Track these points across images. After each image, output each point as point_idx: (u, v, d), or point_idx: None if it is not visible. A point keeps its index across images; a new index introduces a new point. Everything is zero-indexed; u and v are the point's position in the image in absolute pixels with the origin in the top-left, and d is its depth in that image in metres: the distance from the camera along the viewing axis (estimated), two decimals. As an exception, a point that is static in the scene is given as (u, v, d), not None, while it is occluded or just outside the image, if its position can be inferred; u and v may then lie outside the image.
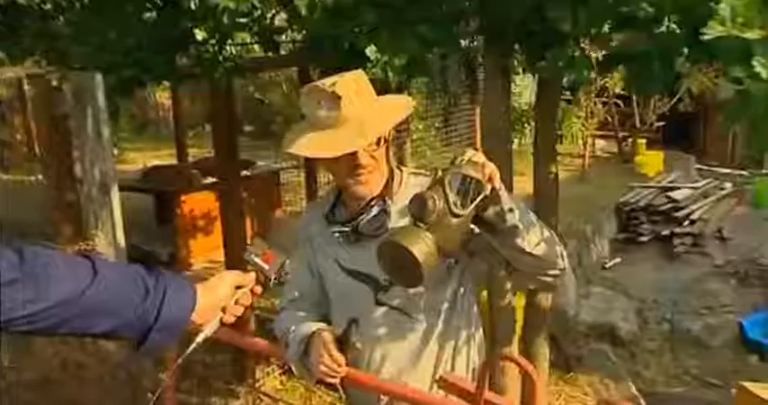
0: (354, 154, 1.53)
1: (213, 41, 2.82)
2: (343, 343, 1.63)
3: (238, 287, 1.29)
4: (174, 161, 7.73)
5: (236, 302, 1.28)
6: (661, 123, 9.90)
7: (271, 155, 6.73)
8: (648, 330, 5.10)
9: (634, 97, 8.84)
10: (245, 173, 5.36)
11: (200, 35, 2.74)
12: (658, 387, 4.26)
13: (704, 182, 7.31)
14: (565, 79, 2.27)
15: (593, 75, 2.27)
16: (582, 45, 2.28)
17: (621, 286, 5.74)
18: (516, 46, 2.54)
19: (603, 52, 2.34)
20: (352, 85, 1.52)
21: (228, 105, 3.61)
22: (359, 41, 2.44)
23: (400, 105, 1.64)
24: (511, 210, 1.42)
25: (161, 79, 3.10)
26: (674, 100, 8.75)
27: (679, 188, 6.90)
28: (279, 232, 1.47)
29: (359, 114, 1.50)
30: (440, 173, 1.41)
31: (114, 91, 2.87)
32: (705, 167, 8.89)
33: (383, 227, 1.61)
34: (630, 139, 9.66)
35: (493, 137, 2.65)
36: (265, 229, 6.53)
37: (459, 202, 1.36)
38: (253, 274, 1.33)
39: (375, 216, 1.62)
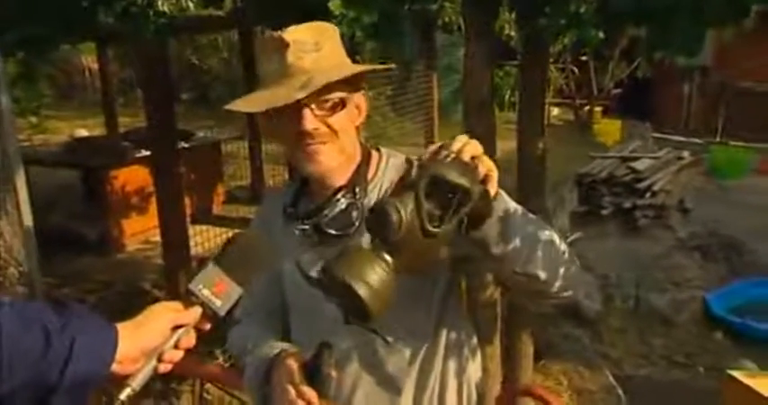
0: (298, 115, 1.24)
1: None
2: (311, 371, 1.30)
3: (178, 327, 1.03)
4: (102, 131, 7.45)
5: (177, 346, 1.03)
6: (618, 90, 9.79)
7: (211, 124, 6.32)
8: (613, 307, 4.98)
9: (591, 63, 8.65)
10: (182, 145, 5.16)
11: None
12: (625, 368, 4.15)
13: (664, 151, 7.21)
14: (567, 40, 1.90)
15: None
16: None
17: (584, 262, 5.61)
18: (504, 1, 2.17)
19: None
20: (308, 33, 1.25)
21: (163, 70, 3.28)
22: (319, -8, 2.03)
23: (368, 65, 1.36)
24: (508, 227, 1.12)
25: (77, 39, 2.64)
26: (633, 66, 8.62)
27: (640, 158, 6.76)
28: (238, 249, 1.11)
29: (311, 68, 1.23)
30: (414, 169, 1.08)
31: (18, 50, 2.41)
32: (660, 135, 8.82)
33: (352, 225, 1.30)
34: (587, 107, 9.51)
35: (476, 109, 2.29)
36: (207, 206, 6.20)
37: (436, 216, 1.02)
38: (197, 309, 1.05)
39: (342, 211, 1.31)
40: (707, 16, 1.65)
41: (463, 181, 1.01)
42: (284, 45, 1.22)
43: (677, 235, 6.03)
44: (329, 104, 1.26)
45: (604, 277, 5.32)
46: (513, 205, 1.16)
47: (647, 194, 6.33)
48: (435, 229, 1.02)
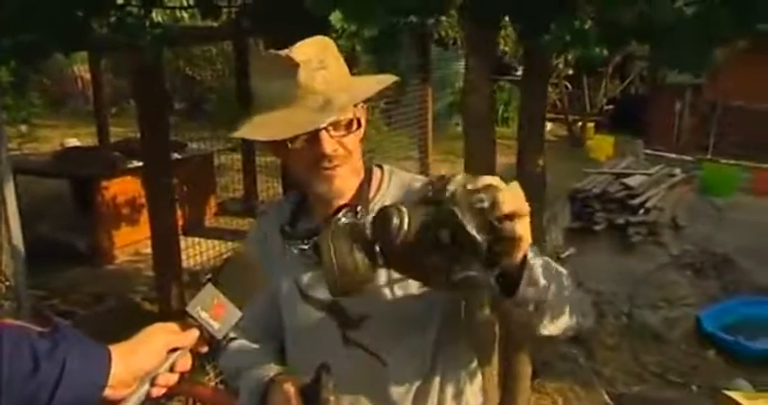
0: (317, 139, 1.21)
1: (137, 3, 2.37)
2: (309, 395, 1.27)
3: (174, 349, 1.01)
4: (94, 141, 7.39)
5: (172, 369, 1.00)
6: (610, 107, 9.82)
7: (204, 136, 6.28)
8: (606, 325, 4.95)
9: (585, 79, 8.69)
10: (175, 156, 5.08)
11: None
12: (618, 385, 4.14)
13: (657, 168, 7.22)
14: (569, 56, 1.88)
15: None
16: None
17: (577, 278, 5.60)
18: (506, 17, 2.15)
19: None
20: (314, 51, 1.21)
21: (156, 80, 3.24)
22: (319, 5, 1.99)
23: (378, 79, 1.31)
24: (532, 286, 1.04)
25: (71, 48, 2.61)
26: (626, 82, 8.66)
27: (632, 174, 6.77)
28: (235, 270, 1.09)
29: (322, 88, 1.20)
30: (447, 193, 0.98)
31: (10, 58, 2.37)
32: (652, 152, 8.85)
33: None
34: (580, 123, 9.54)
35: (476, 123, 2.27)
36: (199, 218, 6.15)
37: (443, 243, 0.98)
38: (194, 331, 1.03)
39: None
40: (711, 33, 1.64)
41: (479, 236, 0.92)
42: (293, 65, 1.18)
43: (670, 252, 6.03)
44: (344, 124, 1.23)
45: (597, 293, 5.31)
46: (538, 263, 1.07)
47: (641, 211, 6.34)
48: (433, 259, 0.99)
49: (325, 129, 1.20)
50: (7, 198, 2.11)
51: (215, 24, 3.49)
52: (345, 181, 1.28)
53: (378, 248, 1.03)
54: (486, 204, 0.93)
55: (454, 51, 8.13)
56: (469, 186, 0.95)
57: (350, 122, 1.24)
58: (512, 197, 0.95)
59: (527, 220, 0.96)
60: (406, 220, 0.98)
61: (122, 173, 5.57)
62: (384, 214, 1.01)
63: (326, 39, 1.28)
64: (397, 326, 1.29)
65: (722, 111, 9.31)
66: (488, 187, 0.95)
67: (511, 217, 0.94)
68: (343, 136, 1.24)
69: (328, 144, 1.21)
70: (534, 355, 3.99)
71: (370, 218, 1.29)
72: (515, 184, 0.97)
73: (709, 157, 8.82)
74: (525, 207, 0.96)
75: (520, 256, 0.99)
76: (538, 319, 1.12)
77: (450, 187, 0.96)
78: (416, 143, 5.98)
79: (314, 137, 1.20)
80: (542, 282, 1.05)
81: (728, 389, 3.32)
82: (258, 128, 1.23)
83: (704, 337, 4.58)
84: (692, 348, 4.56)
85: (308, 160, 1.24)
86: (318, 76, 1.19)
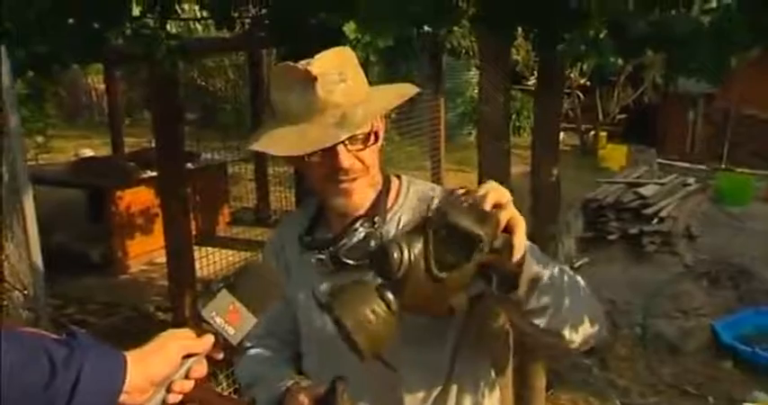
0: (333, 153, 1.19)
1: (152, 16, 2.39)
2: None
3: (189, 355, 0.99)
4: (108, 152, 7.43)
5: (188, 376, 0.99)
6: (623, 116, 9.77)
7: (217, 146, 6.30)
8: (620, 335, 4.92)
9: (597, 88, 8.66)
10: (188, 166, 5.08)
11: (136, 8, 2.38)
12: (633, 397, 4.10)
13: (670, 177, 7.18)
14: (584, 66, 1.87)
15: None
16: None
17: (590, 288, 5.54)
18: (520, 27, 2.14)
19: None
20: (333, 63, 1.19)
21: (170, 91, 3.27)
22: (333, 16, 2.00)
23: (398, 92, 1.27)
24: (536, 284, 1.07)
25: (85, 60, 2.63)
26: (639, 91, 8.62)
27: (646, 184, 6.73)
28: (251, 277, 1.07)
29: (341, 101, 1.18)
30: (432, 211, 1.04)
31: (27, 69, 2.39)
32: (665, 161, 8.80)
33: None
34: (592, 132, 9.50)
35: (490, 132, 2.27)
36: (212, 228, 6.16)
37: (448, 262, 0.99)
38: (209, 337, 1.01)
39: (361, 241, 1.26)
40: (729, 40, 1.63)
41: (476, 229, 0.97)
42: (312, 78, 1.16)
43: (684, 262, 5.97)
44: (362, 138, 1.22)
45: (611, 303, 5.26)
46: (543, 260, 1.12)
47: (654, 220, 6.28)
48: (442, 275, 0.99)
49: (342, 143, 1.19)
50: (26, 209, 2.12)
51: (228, 35, 3.51)
52: (361, 195, 1.27)
53: (389, 295, 1.02)
54: (470, 201, 1.00)
55: (466, 61, 8.13)
56: (446, 198, 1.05)
57: (367, 136, 1.23)
58: (491, 189, 1.01)
59: (512, 205, 1.02)
60: (405, 249, 0.98)
61: (136, 183, 5.59)
62: (382, 251, 1.00)
63: (347, 50, 1.27)
64: (414, 339, 1.28)
65: (736, 119, 9.25)
66: (467, 190, 1.03)
67: (497, 207, 1.00)
68: (360, 150, 1.22)
69: (345, 158, 1.20)
70: (548, 365, 3.99)
71: (387, 228, 1.30)
72: (490, 183, 1.03)
73: (723, 165, 8.76)
74: (507, 195, 1.02)
75: (521, 241, 1.02)
76: (557, 328, 1.12)
77: (433, 205, 1.04)
78: (429, 153, 5.96)
79: (331, 151, 1.19)
80: (546, 279, 1.08)
81: (746, 401, 3.28)
82: (275, 141, 1.21)
83: (720, 348, 4.53)
84: (708, 359, 4.52)
85: (324, 173, 1.24)
86: (337, 89, 1.18)
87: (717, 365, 4.43)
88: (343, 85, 1.18)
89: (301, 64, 1.17)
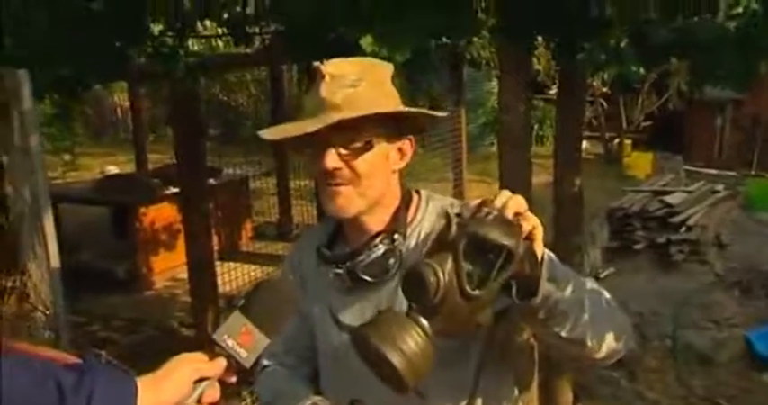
0: (322, 154, 1.20)
1: (172, 34, 2.41)
2: None
3: (201, 379, 0.99)
4: (132, 168, 7.53)
5: (200, 400, 0.99)
6: (648, 123, 9.66)
7: (239, 161, 6.34)
8: (649, 347, 4.84)
9: (620, 96, 8.59)
10: (210, 181, 5.13)
11: (156, 27, 2.34)
12: (666, 411, 4.02)
13: (698, 184, 7.07)
14: (605, 75, 1.84)
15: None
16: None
17: (616, 298, 5.45)
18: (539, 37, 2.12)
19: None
20: (351, 69, 1.21)
21: (192, 107, 3.29)
22: (351, 30, 2.00)
23: (411, 111, 1.26)
24: (556, 291, 1.08)
25: (109, 80, 2.66)
26: (664, 98, 8.52)
27: (672, 192, 6.62)
28: (264, 296, 1.05)
29: (340, 105, 1.18)
30: (453, 227, 1.00)
31: (52, 92, 2.42)
32: (693, 169, 8.68)
33: (388, 272, 1.25)
34: (617, 141, 9.40)
35: (511, 142, 2.24)
36: (235, 243, 6.19)
37: (476, 277, 0.97)
38: (222, 360, 1.01)
39: (379, 257, 1.24)
40: (755, 46, 1.59)
41: (505, 240, 0.96)
42: (321, 78, 1.20)
43: (714, 270, 5.84)
44: (355, 146, 1.21)
45: (638, 315, 5.18)
46: (561, 268, 1.12)
47: (682, 229, 6.16)
48: (475, 292, 0.96)
49: (335, 146, 1.19)
50: (46, 228, 2.13)
51: (249, 51, 3.53)
52: (348, 202, 1.24)
53: (423, 320, 0.99)
54: (494, 213, 1.00)
55: (486, 71, 8.12)
56: (467, 213, 1.04)
57: (363, 145, 1.21)
58: (508, 198, 1.03)
59: (530, 212, 1.04)
60: (439, 271, 0.96)
61: (160, 199, 5.64)
62: (416, 277, 0.97)
63: (377, 62, 1.30)
64: (439, 359, 1.26)
65: (766, 125, 9.10)
66: (483, 203, 1.04)
67: (517, 215, 1.02)
68: (351, 157, 1.21)
69: (329, 160, 1.20)
70: (575, 379, 3.92)
71: (408, 243, 1.27)
72: (505, 192, 1.04)
73: (753, 172, 8.61)
74: (524, 202, 1.04)
75: (541, 247, 1.04)
76: (580, 337, 1.11)
77: (454, 225, 1.00)
78: (451, 165, 5.94)
79: (321, 150, 1.20)
80: (564, 285, 1.09)
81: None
82: (271, 130, 1.27)
83: (755, 359, 4.44)
84: (741, 370, 4.44)
85: (317, 173, 1.25)
86: (341, 92, 1.18)
87: (751, 377, 4.36)
88: (351, 90, 1.18)
89: (323, 64, 1.21)
